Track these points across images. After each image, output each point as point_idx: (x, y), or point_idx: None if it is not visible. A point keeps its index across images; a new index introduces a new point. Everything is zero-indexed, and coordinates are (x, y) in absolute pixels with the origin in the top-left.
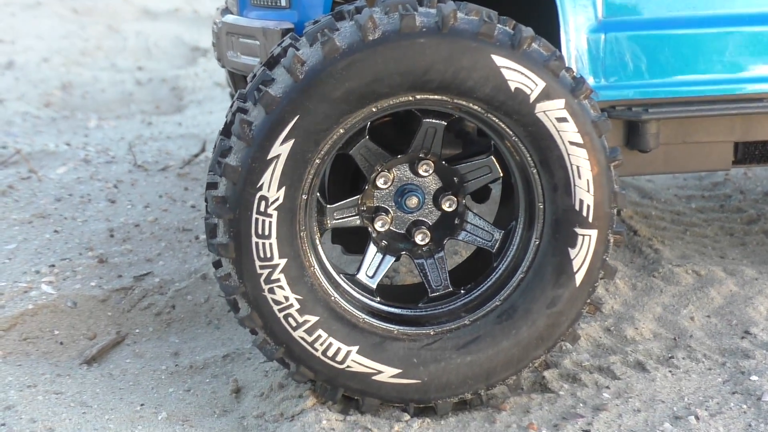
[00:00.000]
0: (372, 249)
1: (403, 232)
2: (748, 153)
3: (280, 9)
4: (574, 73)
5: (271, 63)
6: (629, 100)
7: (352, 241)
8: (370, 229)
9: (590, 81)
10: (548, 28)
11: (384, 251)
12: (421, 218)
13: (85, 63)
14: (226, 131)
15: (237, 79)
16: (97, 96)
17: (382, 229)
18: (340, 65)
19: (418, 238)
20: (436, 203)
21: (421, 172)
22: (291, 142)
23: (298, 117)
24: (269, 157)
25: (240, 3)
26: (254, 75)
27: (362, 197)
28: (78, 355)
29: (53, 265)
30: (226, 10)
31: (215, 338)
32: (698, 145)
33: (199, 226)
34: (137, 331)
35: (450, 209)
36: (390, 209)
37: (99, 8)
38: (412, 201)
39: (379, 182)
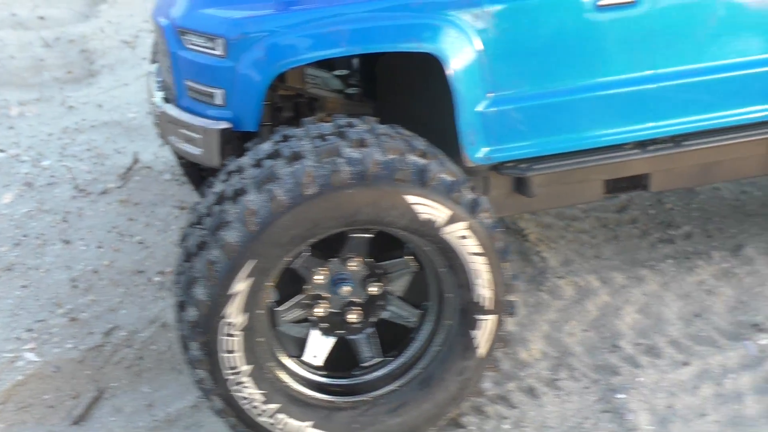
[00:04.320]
0: (314, 333)
1: (338, 310)
2: (616, 186)
3: (216, 106)
4: (474, 196)
5: (222, 199)
6: (516, 160)
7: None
8: (311, 316)
9: (484, 149)
10: (445, 102)
11: (325, 333)
12: (352, 299)
13: None
14: (187, 256)
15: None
16: (8, 63)
17: (322, 314)
18: (286, 217)
19: (351, 317)
20: (364, 287)
21: (351, 266)
22: (250, 280)
23: (255, 261)
24: (231, 292)
25: (178, 90)
26: (208, 210)
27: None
28: (67, 416)
29: (31, 329)
30: (159, 74)
31: (181, 384)
32: (573, 184)
33: (149, 266)
34: (113, 384)
35: (376, 293)
36: (327, 296)
37: None
38: (345, 288)
39: (317, 278)
